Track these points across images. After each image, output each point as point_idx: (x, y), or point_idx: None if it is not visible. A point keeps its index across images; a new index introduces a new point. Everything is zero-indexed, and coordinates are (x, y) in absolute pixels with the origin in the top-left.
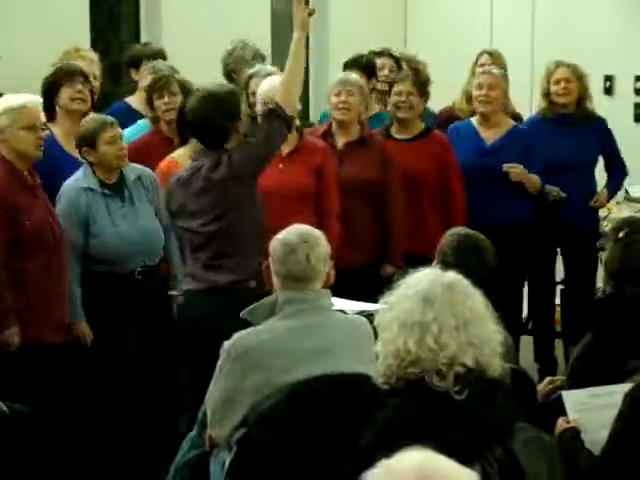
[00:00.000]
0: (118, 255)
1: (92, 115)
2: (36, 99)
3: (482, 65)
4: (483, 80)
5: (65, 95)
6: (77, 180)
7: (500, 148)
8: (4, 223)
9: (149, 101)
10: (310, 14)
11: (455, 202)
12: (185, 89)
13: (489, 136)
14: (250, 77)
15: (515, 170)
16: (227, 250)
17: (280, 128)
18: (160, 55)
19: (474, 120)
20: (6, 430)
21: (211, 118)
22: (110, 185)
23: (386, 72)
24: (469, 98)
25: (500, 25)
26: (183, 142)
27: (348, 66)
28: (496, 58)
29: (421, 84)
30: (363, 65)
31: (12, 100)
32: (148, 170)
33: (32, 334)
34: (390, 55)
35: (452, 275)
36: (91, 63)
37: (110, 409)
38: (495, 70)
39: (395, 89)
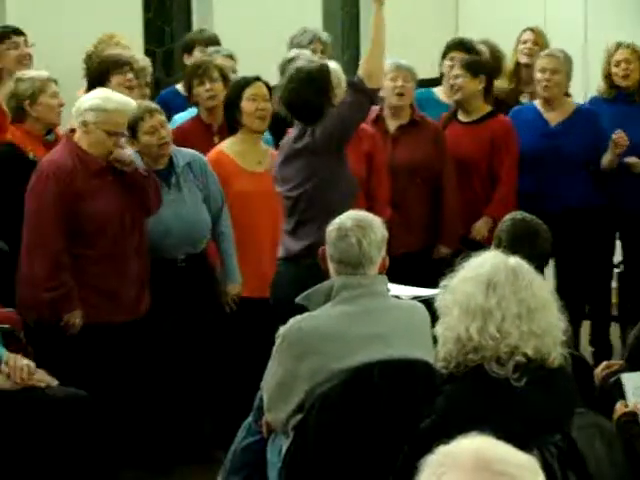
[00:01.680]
0: (157, 242)
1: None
2: (131, 104)
3: (525, 42)
4: (546, 63)
5: (115, 83)
6: None
7: (565, 129)
8: (65, 210)
9: (188, 88)
10: None
11: (500, 188)
12: (224, 75)
13: (553, 118)
14: (289, 61)
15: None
16: (308, 217)
17: (362, 101)
18: (214, 41)
19: (537, 103)
20: (63, 414)
21: (302, 94)
22: (158, 171)
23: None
24: (510, 76)
25: (553, 6)
26: (231, 131)
27: (455, 47)
28: (539, 35)
29: (469, 65)
30: (468, 49)
31: (106, 100)
32: (200, 155)
33: (93, 317)
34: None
35: (516, 260)
36: (126, 50)
37: (165, 396)
38: (559, 53)
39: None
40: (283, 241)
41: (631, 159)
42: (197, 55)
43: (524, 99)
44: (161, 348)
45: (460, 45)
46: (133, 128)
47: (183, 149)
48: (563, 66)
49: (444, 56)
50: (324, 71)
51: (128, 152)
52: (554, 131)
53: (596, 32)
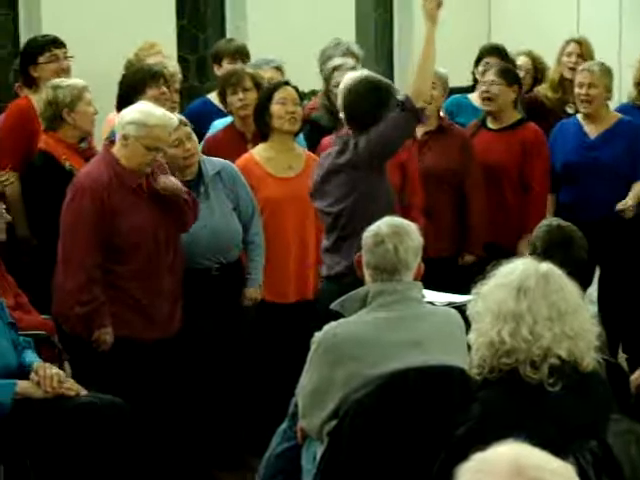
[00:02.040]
0: (189, 251)
1: None
2: (172, 120)
3: (570, 54)
4: (583, 78)
5: (150, 95)
6: None
7: (604, 142)
8: (100, 226)
9: (222, 96)
10: (439, 5)
11: (532, 197)
12: (258, 84)
13: (593, 130)
14: (334, 69)
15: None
16: (349, 232)
17: (408, 119)
18: (242, 51)
19: (579, 116)
20: (99, 421)
21: (363, 100)
22: (186, 182)
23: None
24: (554, 87)
25: (587, 11)
26: (263, 138)
27: (489, 52)
28: (584, 46)
29: (505, 73)
30: (502, 54)
31: (148, 114)
32: (229, 164)
33: (125, 333)
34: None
35: (546, 265)
36: (164, 59)
37: (200, 404)
38: (596, 67)
39: (483, 79)
40: (324, 259)
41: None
42: (226, 66)
43: (570, 109)
44: (196, 356)
45: (494, 50)
46: None
47: (213, 158)
48: (600, 80)
49: (478, 62)
50: (390, 86)
51: (174, 179)
52: (593, 143)
53: (631, 39)
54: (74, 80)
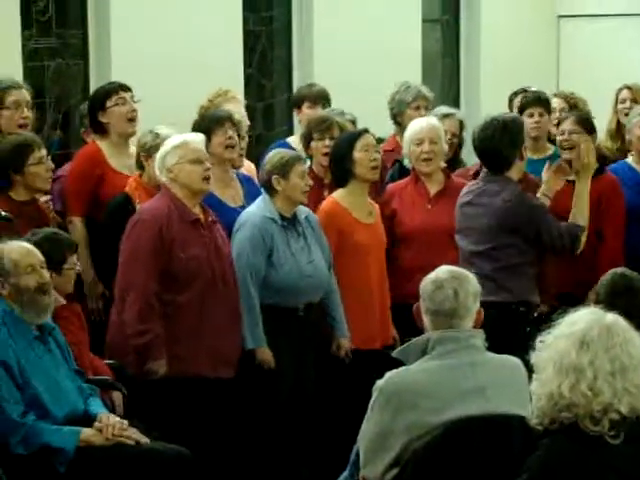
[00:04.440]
0: (293, 287)
1: (283, 149)
2: (197, 136)
3: (623, 101)
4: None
5: (216, 142)
6: (261, 209)
7: None
8: (159, 254)
9: (307, 139)
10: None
11: (605, 250)
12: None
13: None
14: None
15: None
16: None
17: (565, 238)
18: (323, 97)
19: (631, 160)
20: (162, 469)
21: (495, 142)
22: (287, 218)
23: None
24: (612, 136)
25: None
26: (338, 184)
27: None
28: (637, 92)
29: (585, 121)
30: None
31: (174, 139)
32: (311, 212)
33: (182, 368)
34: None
35: (612, 317)
36: (239, 105)
37: (264, 445)
38: None
39: (559, 128)
40: None
41: None
42: (306, 110)
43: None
44: (265, 395)
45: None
46: (286, 169)
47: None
48: None
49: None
50: (518, 123)
51: None
52: None
53: None
54: (167, 131)
